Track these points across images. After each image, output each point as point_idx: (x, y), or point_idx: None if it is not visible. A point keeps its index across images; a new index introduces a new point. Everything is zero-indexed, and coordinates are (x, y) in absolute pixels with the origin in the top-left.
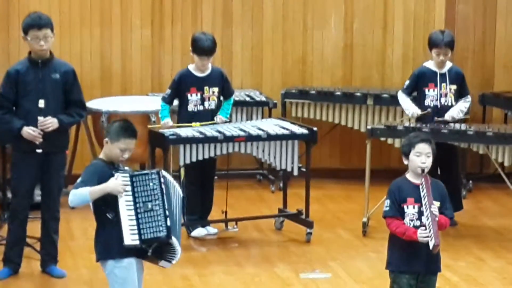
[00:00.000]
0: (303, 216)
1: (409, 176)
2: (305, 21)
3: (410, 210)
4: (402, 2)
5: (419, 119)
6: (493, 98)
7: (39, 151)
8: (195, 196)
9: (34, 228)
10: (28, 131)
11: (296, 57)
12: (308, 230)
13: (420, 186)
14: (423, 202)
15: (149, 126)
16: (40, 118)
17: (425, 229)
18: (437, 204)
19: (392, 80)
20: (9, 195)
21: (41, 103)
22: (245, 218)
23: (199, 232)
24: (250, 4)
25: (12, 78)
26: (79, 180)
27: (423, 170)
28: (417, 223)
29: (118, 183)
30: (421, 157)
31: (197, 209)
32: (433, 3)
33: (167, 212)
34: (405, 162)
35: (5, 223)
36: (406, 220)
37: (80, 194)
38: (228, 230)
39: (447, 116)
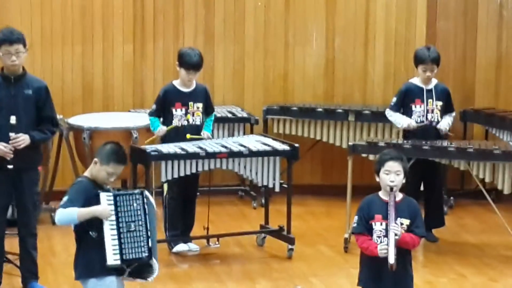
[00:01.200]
0: (285, 232)
1: (380, 193)
2: (286, 37)
3: (378, 226)
4: (383, 19)
5: (406, 135)
6: (474, 114)
7: (10, 167)
8: (177, 212)
9: (14, 244)
10: None
11: (277, 73)
12: (290, 246)
13: (388, 204)
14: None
15: (146, 141)
16: (12, 135)
17: (385, 245)
18: (406, 222)
19: (374, 96)
20: None
21: (13, 119)
22: (227, 234)
23: (180, 248)
24: (231, 20)
25: None
26: (65, 198)
27: (391, 188)
28: (385, 239)
29: (106, 208)
30: (390, 175)
31: (179, 225)
32: (414, 20)
33: (149, 233)
34: (377, 179)
35: None
36: (374, 236)
37: (68, 214)
38: (210, 246)
39: (441, 126)
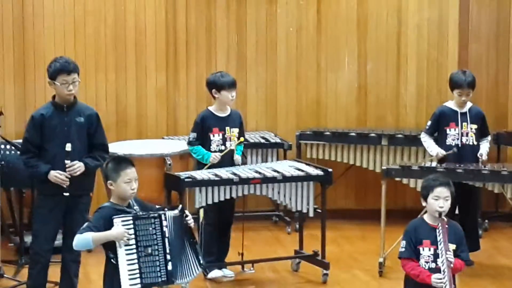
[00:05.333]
0: (319, 257)
1: (426, 217)
2: (318, 62)
3: (426, 252)
4: (415, 42)
5: (442, 159)
6: (508, 137)
7: (66, 194)
8: (212, 238)
9: (51, 272)
10: (56, 175)
11: (310, 98)
12: (325, 271)
13: (437, 230)
14: (439, 247)
15: (204, 169)
16: (67, 162)
17: (441, 275)
18: (452, 247)
19: (406, 120)
20: (26, 239)
21: (68, 147)
22: (262, 260)
23: (215, 274)
24: (263, 46)
25: (37, 122)
26: (85, 224)
27: (440, 214)
28: (433, 265)
29: (121, 231)
30: (439, 201)
31: (214, 250)
32: (446, 43)
33: (168, 257)
34: (423, 204)
35: (22, 268)
36: (422, 262)
37: (83, 239)
38: (245, 272)
39: (481, 156)
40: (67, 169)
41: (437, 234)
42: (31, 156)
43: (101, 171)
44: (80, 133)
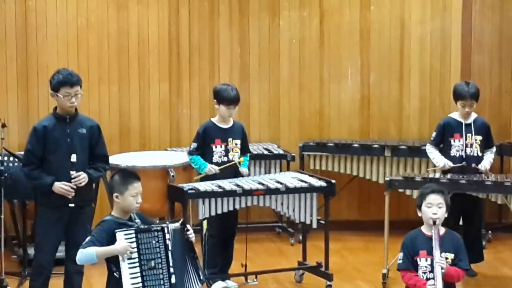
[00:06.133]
0: (323, 269)
1: (423, 228)
2: (321, 73)
3: (423, 262)
4: (418, 54)
5: (447, 170)
6: (511, 148)
7: (71, 205)
8: (215, 249)
9: (55, 284)
10: (62, 186)
11: (313, 109)
12: (328, 283)
13: (433, 238)
14: (433, 253)
15: (195, 178)
16: (73, 173)
17: (433, 281)
18: (450, 256)
19: (409, 131)
20: (29, 251)
21: (74, 158)
22: (265, 271)
23: (219, 285)
24: (266, 58)
25: (40, 134)
26: (88, 238)
27: (434, 222)
28: (430, 275)
29: (124, 245)
30: (432, 208)
31: (218, 262)
32: (448, 54)
33: (171, 270)
34: (419, 214)
35: (25, 280)
36: (419, 272)
37: (87, 254)
38: (248, 283)
39: (482, 167)
40: (72, 180)
41: (433, 242)
42: (34, 168)
43: (104, 183)
44: (82, 145)
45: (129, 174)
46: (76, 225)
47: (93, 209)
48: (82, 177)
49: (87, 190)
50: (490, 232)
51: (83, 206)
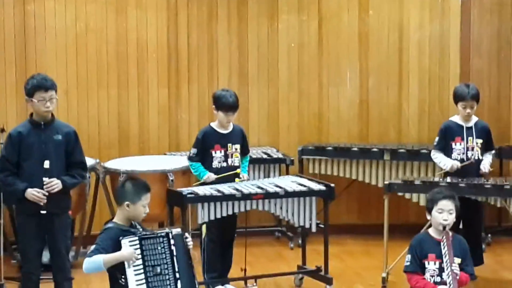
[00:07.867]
0: (322, 273)
1: (431, 231)
2: (320, 78)
3: (431, 266)
4: (417, 58)
5: (448, 172)
6: (510, 151)
7: (43, 212)
8: (215, 254)
9: None
10: (33, 193)
11: (312, 114)
12: (328, 287)
13: (442, 243)
14: (444, 260)
15: (193, 185)
16: (45, 179)
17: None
18: (458, 260)
19: (409, 135)
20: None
21: (47, 164)
22: (264, 276)
23: None
24: (265, 63)
25: (15, 140)
26: (93, 247)
27: (444, 227)
28: (438, 279)
29: (131, 251)
30: (443, 214)
31: (217, 267)
32: (447, 58)
33: (177, 275)
34: (428, 217)
35: None
36: (427, 275)
37: (94, 262)
38: (248, 287)
39: (483, 167)
40: (44, 186)
41: (442, 247)
42: (8, 174)
43: (104, 189)
44: (57, 151)
45: (143, 184)
46: (54, 233)
47: (69, 216)
48: (54, 183)
49: (61, 197)
50: (489, 235)
51: (57, 214)
